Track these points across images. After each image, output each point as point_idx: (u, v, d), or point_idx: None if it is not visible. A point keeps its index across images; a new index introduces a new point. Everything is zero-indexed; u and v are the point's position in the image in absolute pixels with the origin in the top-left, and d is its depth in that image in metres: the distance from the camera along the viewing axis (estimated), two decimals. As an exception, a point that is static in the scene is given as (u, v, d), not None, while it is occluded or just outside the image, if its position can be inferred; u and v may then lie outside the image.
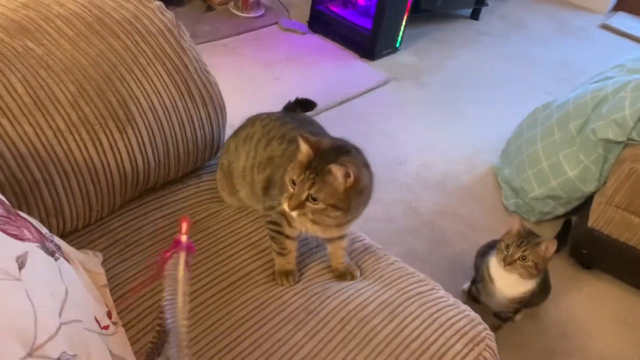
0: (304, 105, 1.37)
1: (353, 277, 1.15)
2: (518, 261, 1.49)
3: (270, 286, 1.09)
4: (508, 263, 1.50)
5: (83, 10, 1.14)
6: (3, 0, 1.12)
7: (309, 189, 0.96)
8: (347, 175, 0.96)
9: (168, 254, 0.81)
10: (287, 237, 1.11)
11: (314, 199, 0.97)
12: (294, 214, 0.98)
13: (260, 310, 1.04)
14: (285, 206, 0.98)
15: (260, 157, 1.16)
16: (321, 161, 0.97)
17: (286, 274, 1.11)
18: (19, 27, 1.07)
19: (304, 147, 0.98)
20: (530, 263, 1.49)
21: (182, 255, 0.80)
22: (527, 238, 1.51)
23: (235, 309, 1.04)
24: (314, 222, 1.03)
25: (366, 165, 1.07)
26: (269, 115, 1.22)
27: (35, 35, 1.07)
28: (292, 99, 1.38)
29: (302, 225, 1.07)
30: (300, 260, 1.16)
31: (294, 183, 0.98)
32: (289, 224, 1.09)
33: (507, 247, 1.52)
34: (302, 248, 1.18)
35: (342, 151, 1.01)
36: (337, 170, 0.95)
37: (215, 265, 1.11)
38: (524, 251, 1.49)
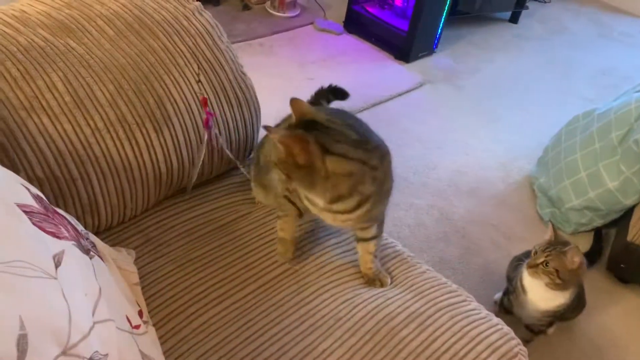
0: (336, 93, 1.35)
1: (382, 284, 1.14)
2: (540, 266, 1.46)
3: (298, 291, 1.09)
4: (530, 266, 1.49)
5: (124, 10, 1.16)
6: (47, 0, 1.14)
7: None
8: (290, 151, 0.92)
9: None
10: (293, 204, 1.11)
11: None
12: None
13: (287, 315, 1.04)
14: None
15: None
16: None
17: (285, 242, 1.14)
18: (62, 25, 1.09)
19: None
20: (551, 269, 1.45)
21: None
22: (555, 245, 1.48)
23: (260, 314, 1.03)
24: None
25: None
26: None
27: (77, 34, 1.09)
28: (326, 85, 1.35)
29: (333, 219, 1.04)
30: (330, 263, 1.16)
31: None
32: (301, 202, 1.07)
33: (535, 252, 1.50)
34: (334, 250, 1.17)
35: None
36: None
37: (240, 270, 1.11)
38: (547, 256, 1.45)
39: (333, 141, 0.92)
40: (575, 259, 1.44)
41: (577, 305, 1.66)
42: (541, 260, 1.46)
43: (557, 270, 1.45)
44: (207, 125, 1.08)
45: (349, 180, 0.94)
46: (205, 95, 1.09)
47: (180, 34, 1.18)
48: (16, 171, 0.94)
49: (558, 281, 1.46)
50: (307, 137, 0.89)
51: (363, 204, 0.98)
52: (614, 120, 1.97)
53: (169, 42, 1.15)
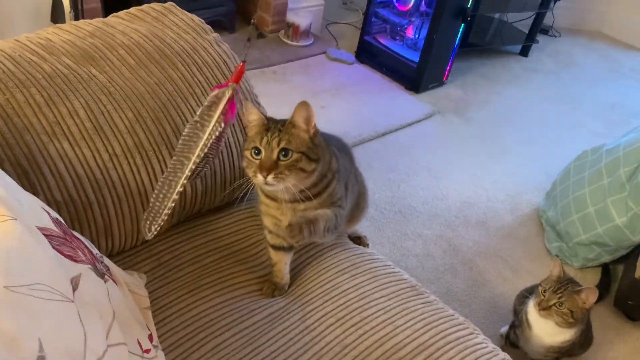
0: None
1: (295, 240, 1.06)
2: (554, 307, 1.45)
3: (303, 318, 1.10)
4: (543, 308, 1.47)
5: (145, 40, 1.19)
6: (72, 28, 1.19)
7: (278, 145, 0.97)
8: (308, 120, 0.99)
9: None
10: (272, 246, 1.15)
11: (285, 154, 0.97)
12: (270, 178, 0.96)
13: (293, 343, 1.05)
14: (259, 177, 0.97)
15: None
16: (277, 121, 1.02)
17: (274, 285, 1.16)
18: (85, 54, 1.13)
19: (255, 115, 1.02)
20: (566, 310, 1.45)
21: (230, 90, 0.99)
22: (565, 285, 1.47)
23: (268, 341, 1.04)
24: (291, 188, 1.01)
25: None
26: None
27: (99, 63, 1.13)
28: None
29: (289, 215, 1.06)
30: (336, 288, 1.16)
31: (257, 152, 0.98)
32: (265, 227, 1.13)
33: (544, 291, 1.49)
34: (339, 276, 1.18)
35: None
36: (299, 116, 0.99)
37: (250, 299, 1.12)
38: (559, 297, 1.45)
39: None
40: (590, 299, 1.44)
41: (584, 342, 1.65)
42: (554, 302, 1.46)
43: (571, 311, 1.45)
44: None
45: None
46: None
47: (198, 64, 1.21)
48: (35, 194, 0.97)
49: (571, 320, 1.46)
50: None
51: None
52: (622, 157, 1.99)
53: (187, 72, 1.19)
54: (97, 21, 1.24)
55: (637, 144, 1.96)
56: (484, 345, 1.11)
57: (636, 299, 1.89)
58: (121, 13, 1.30)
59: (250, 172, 1.01)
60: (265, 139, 0.98)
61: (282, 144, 0.97)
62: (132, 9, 1.30)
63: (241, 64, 1.05)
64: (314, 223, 1.03)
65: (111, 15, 1.29)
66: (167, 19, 1.29)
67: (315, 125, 1.01)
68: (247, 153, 1.01)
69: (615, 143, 2.12)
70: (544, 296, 1.48)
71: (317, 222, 1.04)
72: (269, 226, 1.15)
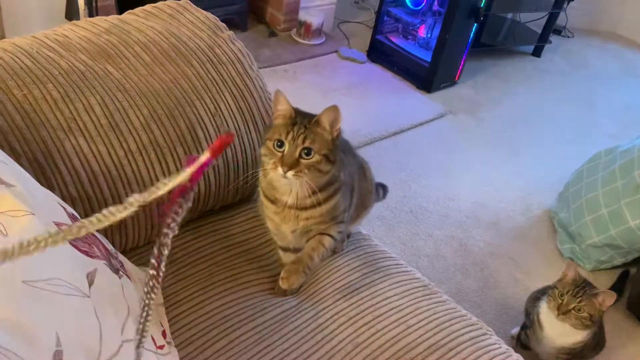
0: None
1: (290, 287, 1.10)
2: (573, 311, 1.45)
3: (316, 317, 1.10)
4: (563, 312, 1.46)
5: (160, 38, 1.20)
6: (88, 25, 1.19)
7: (303, 142, 0.97)
8: (334, 123, 1.00)
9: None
10: (280, 247, 1.16)
11: (308, 153, 0.97)
12: (290, 174, 0.97)
13: (306, 341, 1.05)
14: (279, 170, 0.97)
15: None
16: (305, 116, 1.02)
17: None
18: (101, 51, 1.14)
19: (284, 105, 1.01)
20: (585, 314, 1.44)
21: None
22: (583, 288, 1.46)
23: (280, 339, 1.04)
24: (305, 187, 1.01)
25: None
26: None
27: (115, 60, 1.13)
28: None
29: (293, 223, 1.08)
30: (349, 286, 1.16)
31: (280, 145, 0.98)
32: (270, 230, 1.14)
33: (562, 295, 1.47)
34: (351, 274, 1.18)
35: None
36: (326, 117, 0.99)
37: (262, 297, 1.12)
38: (579, 302, 1.44)
39: None
40: (607, 302, 1.43)
41: (596, 344, 1.63)
42: (573, 305, 1.45)
43: (590, 315, 1.44)
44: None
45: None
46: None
47: (213, 62, 1.22)
48: (51, 189, 0.97)
49: (588, 323, 1.45)
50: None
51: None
52: (637, 159, 1.97)
53: (203, 69, 1.19)
54: (113, 18, 1.25)
55: (652, 146, 1.94)
56: (497, 346, 1.11)
57: (649, 302, 1.88)
58: (137, 10, 1.30)
59: (268, 163, 1.00)
60: (291, 134, 0.98)
61: (307, 143, 0.97)
62: (148, 6, 1.31)
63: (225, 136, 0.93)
64: (309, 262, 1.09)
65: (127, 12, 1.30)
66: (182, 17, 1.29)
67: (339, 128, 1.02)
68: (270, 143, 1.00)
69: (630, 145, 2.10)
70: (561, 300, 1.46)
71: (312, 259, 1.09)
72: (271, 229, 1.16)
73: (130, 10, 1.30)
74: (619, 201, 1.96)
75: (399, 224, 2.14)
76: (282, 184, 1.04)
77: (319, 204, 1.05)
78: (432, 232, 2.13)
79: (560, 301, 1.47)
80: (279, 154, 0.98)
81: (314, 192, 1.02)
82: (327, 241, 1.13)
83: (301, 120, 1.00)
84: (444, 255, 2.04)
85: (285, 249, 1.18)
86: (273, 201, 1.08)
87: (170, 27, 1.24)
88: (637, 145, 2.03)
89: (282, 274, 1.08)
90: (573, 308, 1.44)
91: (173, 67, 1.17)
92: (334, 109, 1.00)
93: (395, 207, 2.21)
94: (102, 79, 1.09)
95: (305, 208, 1.06)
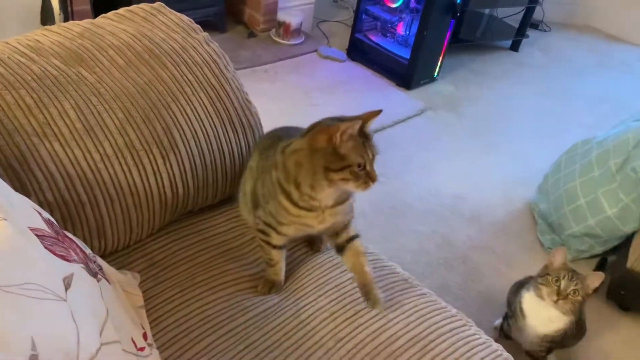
0: None
1: (375, 303, 1.11)
2: (570, 296, 1.46)
3: (297, 314, 1.10)
4: (564, 297, 1.45)
5: (134, 41, 1.20)
6: (60, 30, 1.19)
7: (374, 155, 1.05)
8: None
9: None
10: (274, 247, 1.14)
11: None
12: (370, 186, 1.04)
13: (287, 338, 1.05)
14: (371, 184, 1.03)
15: (253, 168, 1.18)
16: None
17: (271, 283, 1.15)
18: (74, 55, 1.13)
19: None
20: (580, 298, 1.45)
21: None
22: (574, 272, 1.47)
23: (262, 337, 1.05)
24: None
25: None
26: (279, 128, 1.22)
27: (89, 64, 1.13)
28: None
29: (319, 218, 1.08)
30: (329, 282, 1.17)
31: (361, 168, 1.02)
32: (278, 233, 1.11)
33: (557, 280, 1.47)
34: (333, 271, 1.19)
35: None
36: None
37: (244, 297, 1.12)
38: (575, 285, 1.45)
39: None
40: (594, 284, 1.45)
41: (577, 332, 1.66)
42: (571, 289, 1.45)
43: (583, 298, 1.45)
44: None
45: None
46: None
47: (188, 64, 1.22)
48: (27, 195, 0.97)
49: (579, 307, 1.47)
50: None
51: None
52: (612, 148, 2.00)
53: (177, 71, 1.19)
54: (86, 22, 1.24)
55: (626, 136, 1.97)
56: (477, 336, 1.12)
57: (628, 289, 1.91)
58: (110, 14, 1.30)
59: (358, 185, 1.02)
60: (369, 152, 1.03)
61: (376, 153, 1.05)
62: (121, 10, 1.31)
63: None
64: (371, 279, 1.14)
65: (100, 16, 1.30)
66: (156, 19, 1.29)
67: None
68: (352, 169, 1.00)
69: (605, 135, 2.13)
70: (558, 285, 1.46)
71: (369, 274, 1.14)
72: (289, 234, 1.13)
73: (103, 15, 1.30)
74: (596, 191, 2.00)
75: (382, 220, 2.15)
76: (331, 195, 1.06)
77: (350, 195, 1.09)
78: (415, 228, 2.15)
79: (556, 287, 1.46)
80: (363, 172, 1.02)
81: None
82: (359, 243, 1.16)
83: (366, 137, 1.05)
84: (427, 250, 2.06)
85: (281, 247, 1.16)
86: (309, 209, 1.07)
87: (144, 30, 1.24)
88: (612, 135, 2.07)
89: (370, 304, 1.12)
90: (570, 292, 1.45)
91: (147, 69, 1.17)
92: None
93: (377, 204, 2.23)
94: (75, 83, 1.08)
95: (340, 203, 1.08)
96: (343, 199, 1.09)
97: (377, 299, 1.11)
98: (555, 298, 1.46)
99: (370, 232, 2.08)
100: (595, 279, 1.45)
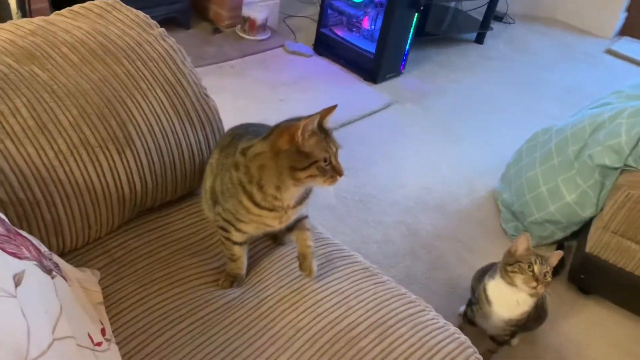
0: None
1: (311, 273, 1.15)
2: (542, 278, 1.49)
3: (258, 305, 1.11)
4: (544, 284, 1.47)
5: (88, 38, 1.19)
6: (12, 28, 1.18)
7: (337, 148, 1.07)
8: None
9: None
10: (235, 243, 1.14)
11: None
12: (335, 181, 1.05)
13: (248, 330, 1.06)
14: (339, 178, 1.05)
15: (212, 165, 1.19)
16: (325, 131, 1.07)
17: (233, 277, 1.16)
18: (26, 53, 1.12)
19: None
20: (550, 279, 1.49)
21: None
22: (542, 255, 1.50)
23: (222, 330, 1.06)
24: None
25: None
26: (240, 126, 1.23)
27: (41, 61, 1.12)
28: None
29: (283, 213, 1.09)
30: (291, 274, 1.19)
31: (327, 162, 1.03)
32: (237, 230, 1.12)
33: (530, 266, 1.48)
34: (294, 263, 1.20)
35: None
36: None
37: (204, 290, 1.13)
38: (546, 267, 1.48)
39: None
40: (554, 263, 1.49)
41: (538, 315, 1.70)
42: (544, 271, 1.47)
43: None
44: None
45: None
46: None
47: (143, 59, 1.21)
48: (-21, 195, 0.96)
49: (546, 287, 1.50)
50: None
51: None
52: (570, 136, 2.06)
53: (132, 67, 1.19)
54: (39, 19, 1.23)
55: (583, 124, 2.03)
56: (435, 321, 1.15)
57: (588, 273, 1.97)
58: (64, 11, 1.29)
59: (325, 180, 1.03)
60: (332, 146, 1.04)
61: (338, 146, 1.07)
62: (75, 7, 1.30)
63: None
64: (311, 250, 1.17)
65: (53, 13, 1.28)
66: (110, 16, 1.28)
67: None
68: (319, 165, 1.01)
69: (564, 124, 2.19)
70: (532, 272, 1.47)
71: (310, 246, 1.17)
72: (249, 232, 1.14)
73: (57, 12, 1.29)
74: (556, 178, 2.05)
75: (349, 212, 2.18)
76: (295, 194, 1.07)
77: (310, 191, 1.12)
78: (381, 219, 2.17)
79: (531, 274, 1.47)
80: (331, 167, 1.03)
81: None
82: (306, 221, 1.18)
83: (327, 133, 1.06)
84: (393, 240, 2.09)
85: (242, 243, 1.16)
86: (272, 209, 1.07)
87: (99, 27, 1.23)
88: (571, 123, 2.12)
89: (307, 274, 1.16)
90: (543, 275, 1.48)
91: (102, 66, 1.16)
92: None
93: (345, 197, 2.25)
94: (27, 80, 1.07)
95: (301, 202, 1.11)
96: (304, 198, 1.11)
97: (311, 269, 1.15)
98: (534, 284, 1.47)
99: (337, 224, 2.10)
100: (556, 258, 1.50)
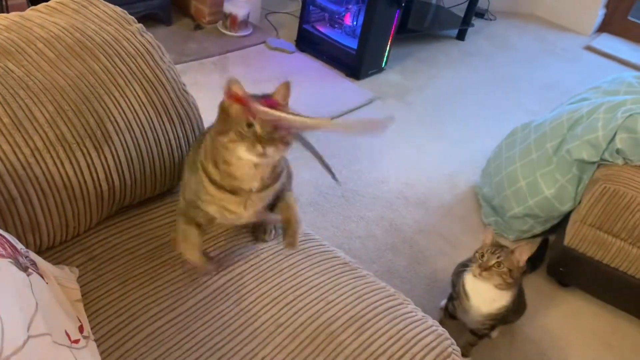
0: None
1: (293, 243, 1.20)
2: (494, 268, 1.52)
3: (239, 301, 1.12)
4: (484, 269, 1.52)
5: (64, 33, 1.18)
6: (-14, 23, 1.16)
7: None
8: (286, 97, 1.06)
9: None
10: (195, 224, 1.13)
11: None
12: (271, 150, 0.97)
13: (228, 325, 1.07)
14: (258, 148, 0.96)
15: (189, 160, 1.18)
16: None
17: (190, 263, 1.15)
18: (1, 49, 1.11)
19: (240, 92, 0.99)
20: (505, 269, 1.51)
21: None
22: (501, 247, 1.54)
23: (202, 325, 1.06)
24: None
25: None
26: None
27: (16, 57, 1.11)
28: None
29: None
30: (270, 269, 1.19)
31: (249, 126, 0.96)
32: (195, 207, 1.11)
33: (482, 255, 1.55)
34: (274, 257, 1.21)
35: None
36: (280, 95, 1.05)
37: (182, 285, 1.13)
38: (498, 257, 1.51)
39: None
40: (523, 256, 1.52)
41: (517, 308, 1.73)
42: (494, 262, 1.52)
43: (510, 270, 1.52)
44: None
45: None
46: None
47: (121, 55, 1.21)
48: (-46, 192, 0.95)
49: (510, 280, 1.53)
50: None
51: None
52: (548, 131, 2.08)
53: (110, 63, 1.18)
54: (14, 15, 1.22)
55: (561, 119, 2.06)
56: (413, 314, 1.16)
57: (566, 265, 2.00)
58: (40, 6, 1.27)
59: (242, 148, 0.96)
60: (266, 116, 0.96)
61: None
62: (51, 2, 1.28)
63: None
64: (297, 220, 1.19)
65: (29, 8, 1.27)
66: (87, 11, 1.27)
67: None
68: (237, 129, 0.96)
69: (543, 119, 2.22)
70: (482, 260, 1.54)
71: (296, 216, 1.19)
72: (211, 213, 1.10)
73: (33, 7, 1.27)
74: (535, 173, 2.08)
75: (332, 208, 2.18)
76: (248, 171, 1.02)
77: (280, 175, 1.09)
78: (364, 215, 2.19)
79: (480, 261, 1.54)
80: (253, 134, 0.95)
81: (274, 166, 1.06)
82: (290, 195, 1.18)
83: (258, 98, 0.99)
84: (375, 235, 2.10)
85: (199, 225, 1.14)
86: (233, 192, 1.04)
87: (75, 22, 1.22)
88: (549, 119, 2.15)
89: (290, 242, 1.19)
90: (494, 264, 1.52)
91: (79, 62, 1.15)
92: (286, 85, 1.04)
93: (327, 193, 2.25)
94: (2, 77, 1.06)
95: (268, 186, 1.07)
96: (270, 182, 1.07)
97: (294, 239, 1.18)
98: (478, 271, 1.54)
99: (319, 220, 2.11)
100: (524, 251, 1.52)
